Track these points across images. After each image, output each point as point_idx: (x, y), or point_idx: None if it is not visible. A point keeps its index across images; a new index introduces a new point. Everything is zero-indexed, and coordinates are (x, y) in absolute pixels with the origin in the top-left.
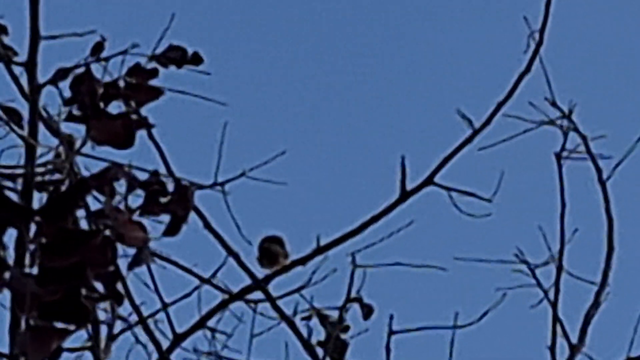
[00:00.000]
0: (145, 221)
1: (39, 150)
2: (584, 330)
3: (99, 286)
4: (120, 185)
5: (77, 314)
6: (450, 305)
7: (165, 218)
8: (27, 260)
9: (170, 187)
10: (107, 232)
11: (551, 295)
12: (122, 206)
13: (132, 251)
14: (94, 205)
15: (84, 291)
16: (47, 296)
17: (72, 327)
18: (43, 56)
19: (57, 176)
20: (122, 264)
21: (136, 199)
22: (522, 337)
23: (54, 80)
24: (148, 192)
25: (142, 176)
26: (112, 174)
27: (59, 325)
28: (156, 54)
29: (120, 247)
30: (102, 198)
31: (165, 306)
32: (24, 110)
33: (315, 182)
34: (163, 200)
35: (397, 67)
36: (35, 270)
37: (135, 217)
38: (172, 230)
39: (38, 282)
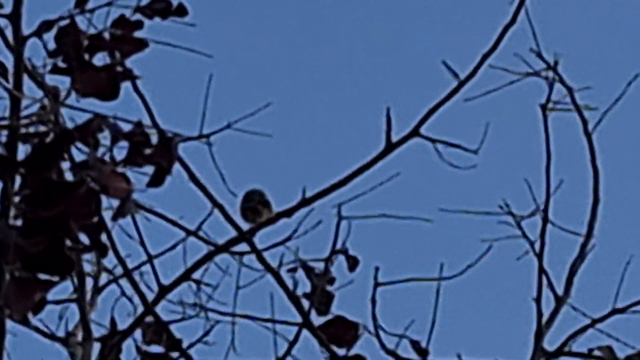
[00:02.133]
0: (129, 172)
1: (24, 102)
2: (570, 282)
3: (83, 237)
4: (104, 137)
5: (60, 265)
6: (436, 256)
7: (150, 169)
8: (12, 212)
9: (154, 138)
10: (91, 183)
11: (537, 246)
12: (106, 157)
13: (116, 202)
14: (78, 157)
15: (67, 242)
16: (31, 247)
17: (55, 279)
18: (27, 8)
19: (42, 128)
20: (107, 215)
21: (120, 151)
22: (507, 288)
23: (38, 32)
24: (132, 143)
25: (126, 127)
26: (96, 125)
27: (43, 276)
28: (141, 5)
29: (105, 198)
30: (86, 149)
31: (150, 258)
32: (9, 62)
33: (301, 134)
34: (147, 151)
35: (382, 19)
36: (19, 222)
37: (119, 168)
38: (156, 181)
39: (22, 233)
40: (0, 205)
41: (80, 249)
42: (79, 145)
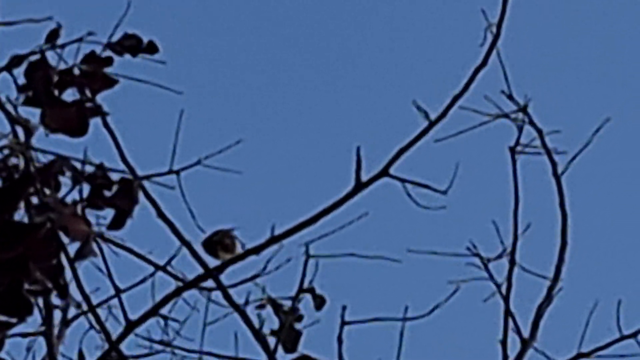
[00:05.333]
0: (90, 214)
1: None
2: (536, 325)
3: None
4: (66, 179)
5: (19, 307)
6: (403, 297)
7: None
8: None
9: (116, 180)
10: (51, 225)
11: (503, 289)
12: (66, 199)
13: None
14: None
15: (26, 284)
16: None
17: (13, 320)
18: None
19: (12, 161)
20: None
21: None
22: (473, 330)
23: (8, 67)
24: (93, 185)
25: (91, 169)
26: (57, 167)
27: (1, 317)
28: (111, 42)
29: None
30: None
31: (118, 292)
32: None
33: (271, 171)
34: (108, 194)
35: (354, 57)
36: None
37: (80, 210)
38: (116, 224)
39: None
40: None
41: (39, 291)
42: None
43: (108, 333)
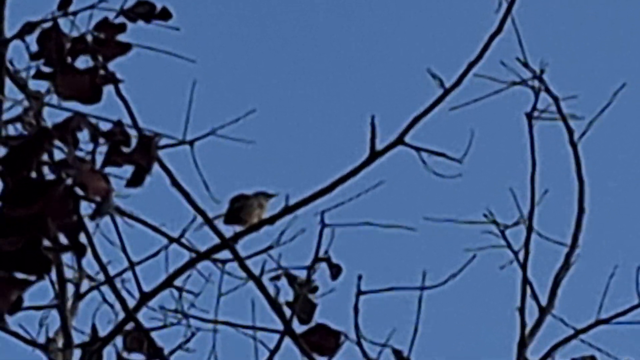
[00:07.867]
0: (109, 173)
1: (5, 104)
2: (554, 292)
3: (61, 238)
4: (84, 136)
5: (37, 265)
6: (420, 265)
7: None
8: None
9: (134, 137)
10: (70, 182)
11: (521, 256)
12: (85, 156)
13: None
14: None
15: (45, 241)
16: (7, 246)
17: (32, 278)
18: (10, 10)
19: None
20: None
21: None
22: (491, 298)
23: (21, 34)
24: (111, 142)
25: (107, 127)
26: (75, 124)
27: (20, 276)
28: (124, 8)
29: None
30: (65, 148)
31: (132, 265)
32: None
33: (285, 140)
34: (126, 150)
35: (368, 26)
36: None
37: (98, 167)
38: (135, 181)
39: None
40: None
41: (57, 249)
42: (58, 143)
43: (125, 303)
